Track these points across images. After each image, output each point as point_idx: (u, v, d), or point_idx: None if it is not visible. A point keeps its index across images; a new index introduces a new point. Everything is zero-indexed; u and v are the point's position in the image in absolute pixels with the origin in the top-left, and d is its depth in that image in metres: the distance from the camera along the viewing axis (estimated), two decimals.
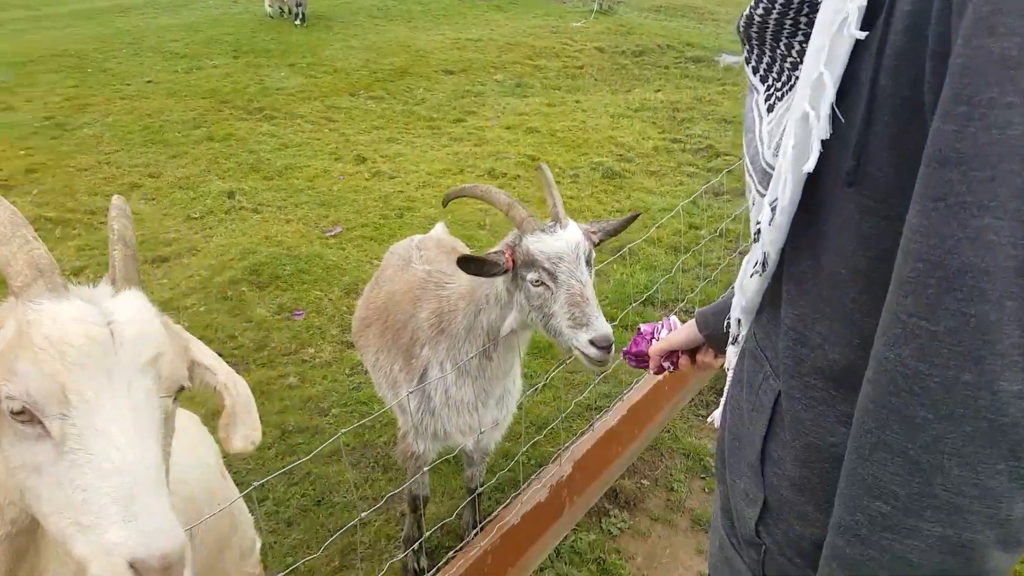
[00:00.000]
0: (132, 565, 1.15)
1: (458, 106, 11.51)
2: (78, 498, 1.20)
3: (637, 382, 4.13)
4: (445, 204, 3.29)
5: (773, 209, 1.11)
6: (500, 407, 3.18)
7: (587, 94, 12.28)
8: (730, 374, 1.49)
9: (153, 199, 7.96)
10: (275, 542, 3.50)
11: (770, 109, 1.19)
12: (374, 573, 3.23)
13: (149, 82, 11.99)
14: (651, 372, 2.02)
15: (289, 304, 5.88)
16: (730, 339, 1.44)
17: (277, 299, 5.94)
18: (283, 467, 4.00)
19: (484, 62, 13.58)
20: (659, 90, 12.37)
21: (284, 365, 5.10)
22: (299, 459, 4.04)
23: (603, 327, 2.57)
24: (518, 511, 3.10)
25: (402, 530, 3.59)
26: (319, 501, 3.85)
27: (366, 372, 4.98)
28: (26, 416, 1.24)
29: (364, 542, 3.56)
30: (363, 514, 2.17)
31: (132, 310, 1.36)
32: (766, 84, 1.22)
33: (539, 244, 2.63)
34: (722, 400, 1.55)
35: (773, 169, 1.13)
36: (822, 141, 1.01)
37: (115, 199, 1.62)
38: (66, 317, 1.27)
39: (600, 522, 3.80)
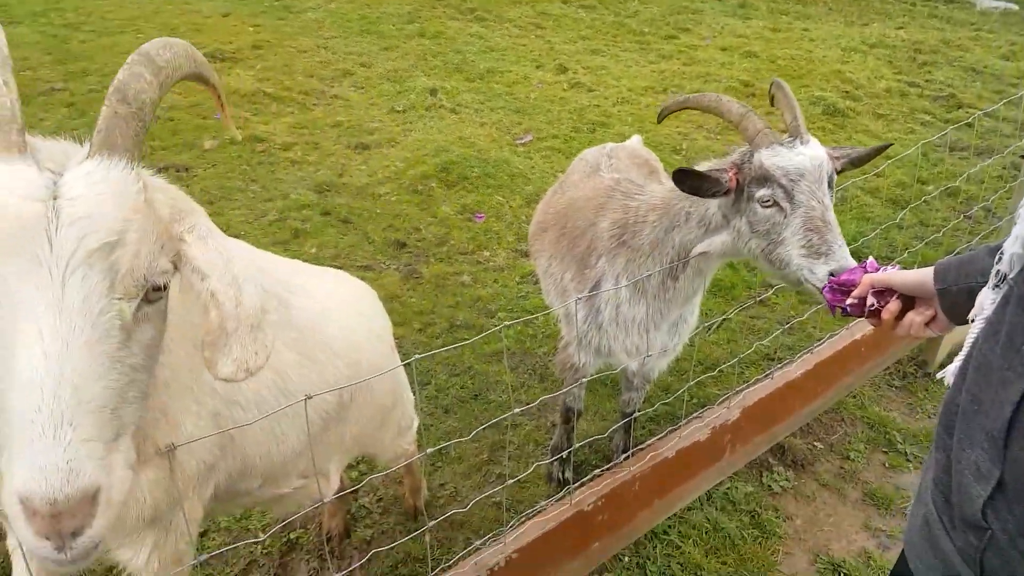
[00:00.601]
0: (21, 501, 0.97)
1: (672, 22, 10.87)
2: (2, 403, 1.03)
3: (830, 336, 3.74)
4: (661, 119, 3.03)
5: None
6: (672, 334, 2.98)
7: (817, 23, 11.12)
8: (977, 325, 1.20)
9: (362, 88, 8.27)
10: (431, 425, 3.59)
11: None
12: (518, 471, 3.22)
13: None
14: (845, 307, 1.73)
15: (472, 205, 5.92)
16: (992, 280, 1.15)
17: (462, 199, 6.00)
18: (447, 354, 4.09)
19: None
20: (901, 27, 10.97)
21: (460, 263, 5.17)
22: (463, 351, 4.12)
23: (846, 258, 2.18)
24: (674, 445, 2.92)
25: (551, 439, 3.55)
26: (476, 395, 3.89)
27: (535, 282, 4.95)
28: None
29: (513, 442, 3.57)
30: (516, 410, 2.09)
31: (86, 184, 1.07)
32: None
33: (776, 158, 2.29)
34: (959, 355, 1.26)
35: None
36: None
37: (151, 43, 1.29)
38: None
39: (761, 476, 3.54)
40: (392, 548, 2.43)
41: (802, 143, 2.33)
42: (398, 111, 7.70)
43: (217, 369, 1.22)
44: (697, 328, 3.10)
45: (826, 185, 2.29)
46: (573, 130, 7.46)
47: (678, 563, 3.04)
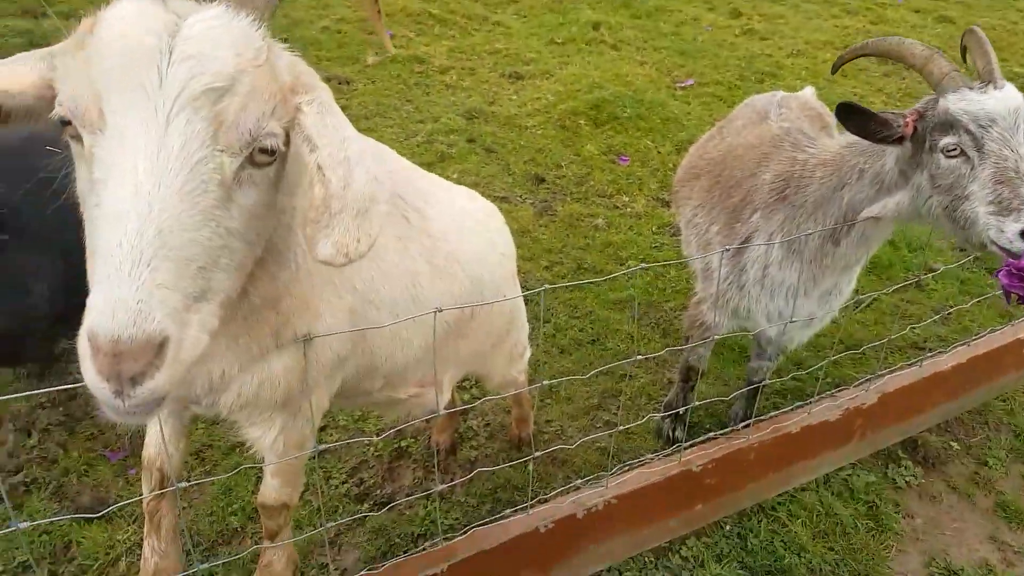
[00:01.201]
0: (90, 338, 0.95)
1: None
2: (93, 240, 1.03)
3: (990, 332, 3.39)
4: (836, 69, 2.76)
5: None
6: (823, 304, 2.75)
7: None
8: None
9: (525, 17, 8.16)
10: (545, 363, 3.59)
11: None
12: (627, 421, 3.17)
13: None
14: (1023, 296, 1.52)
15: (618, 147, 5.76)
16: None
17: (609, 140, 5.85)
18: (570, 295, 4.05)
19: None
20: None
21: (596, 205, 5.07)
22: (586, 294, 4.07)
23: None
24: (799, 421, 2.77)
25: (665, 395, 3.46)
26: (594, 340, 3.85)
27: (673, 234, 4.78)
28: (72, 129, 1.06)
29: (626, 392, 3.51)
30: (638, 356, 2.02)
31: (205, 27, 1.06)
32: None
33: (964, 103, 2.06)
34: None
35: None
36: None
37: None
38: (122, 15, 1.05)
39: (886, 467, 3.31)
40: (495, 471, 2.47)
41: (995, 87, 2.06)
42: (557, 43, 7.55)
43: (317, 249, 1.16)
44: (846, 303, 2.89)
45: (1021, 135, 2.03)
46: (739, 78, 7.05)
47: (782, 541, 2.91)
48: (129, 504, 2.81)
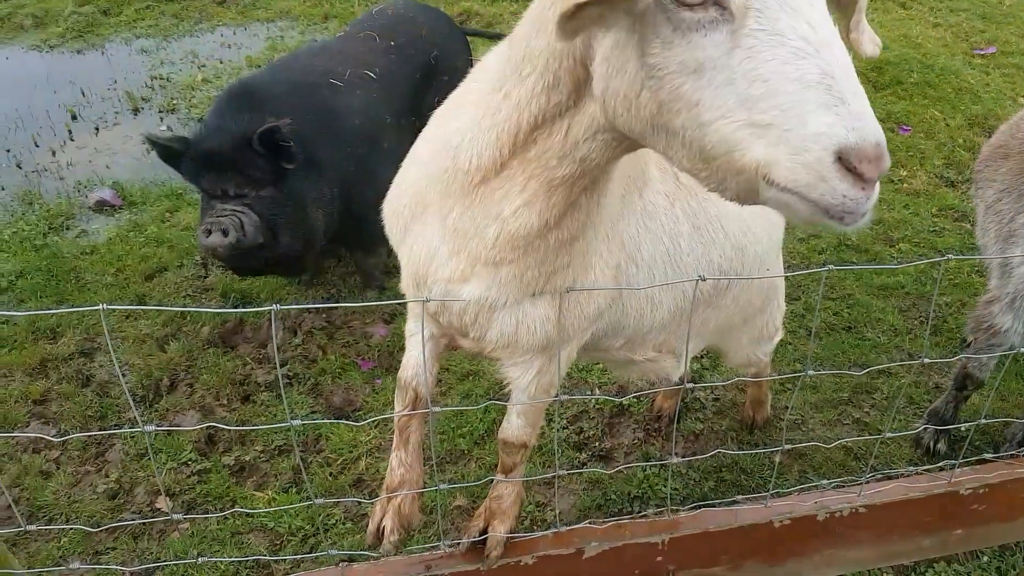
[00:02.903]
0: (839, 156, 0.98)
1: None
2: (756, 92, 1.02)
3: None
4: None
5: None
6: None
7: None
8: None
9: None
10: (790, 343, 3.34)
11: None
12: (882, 423, 2.85)
13: None
14: None
15: (899, 114, 5.13)
16: None
17: (889, 106, 5.22)
18: (829, 276, 3.71)
19: None
20: None
21: None
22: (847, 275, 3.70)
23: None
24: None
25: (930, 400, 3.08)
26: (850, 327, 3.50)
27: (957, 218, 4.18)
28: None
29: (883, 391, 3.17)
30: (924, 359, 1.77)
31: None
32: None
33: None
34: None
35: None
36: None
37: None
38: None
39: None
40: (728, 452, 2.33)
41: None
42: None
43: (863, 47, 1.28)
44: None
45: None
46: None
47: None
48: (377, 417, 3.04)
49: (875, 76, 5.48)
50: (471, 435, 3.03)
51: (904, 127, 5.03)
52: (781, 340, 2.79)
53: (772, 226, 2.25)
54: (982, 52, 6.07)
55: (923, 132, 4.99)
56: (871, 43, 1.29)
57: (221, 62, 6.07)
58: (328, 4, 6.90)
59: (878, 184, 1.03)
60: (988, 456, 2.35)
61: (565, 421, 3.11)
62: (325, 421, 2.93)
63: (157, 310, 3.53)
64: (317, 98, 3.27)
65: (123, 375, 3.28)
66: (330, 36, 5.89)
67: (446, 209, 1.49)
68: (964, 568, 2.57)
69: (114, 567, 2.44)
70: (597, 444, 3.02)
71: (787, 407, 3.10)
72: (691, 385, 2.43)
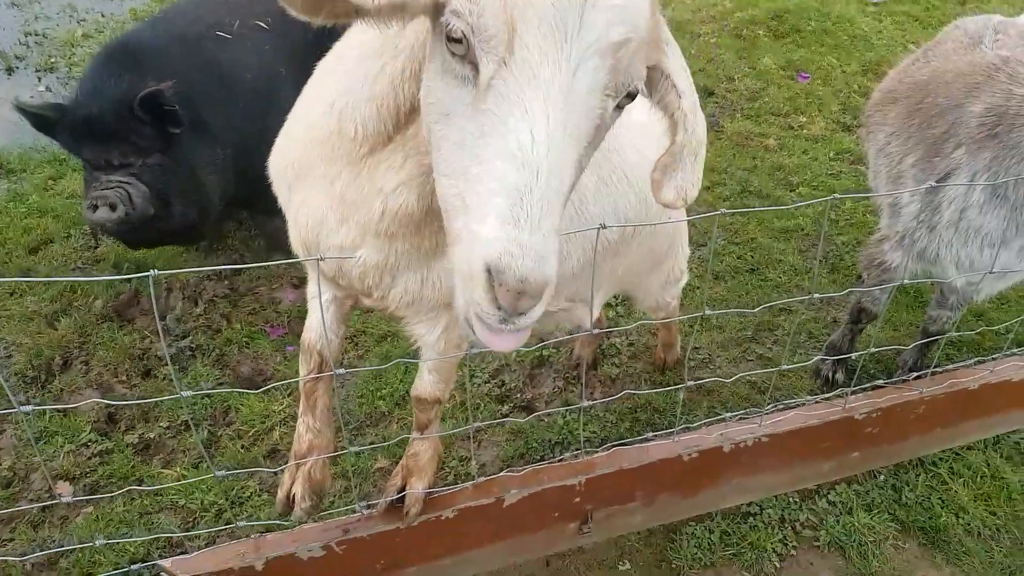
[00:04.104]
0: (489, 270, 0.96)
1: None
2: (473, 170, 1.00)
3: None
4: None
5: None
6: (1022, 256, 2.46)
7: None
8: None
9: None
10: (698, 287, 3.43)
11: None
12: (784, 357, 2.97)
13: None
14: None
15: (798, 62, 5.27)
16: None
17: (789, 53, 5.36)
18: (731, 218, 3.81)
19: None
20: None
21: (769, 124, 4.69)
22: (749, 220, 3.82)
23: None
24: (979, 378, 2.49)
25: (828, 333, 3.22)
26: (753, 269, 3.62)
27: (852, 161, 4.36)
28: (462, 48, 1.00)
29: (784, 327, 3.30)
30: (815, 296, 1.84)
31: None
32: None
33: None
34: None
35: None
36: None
37: None
38: None
39: None
40: (637, 393, 2.39)
41: None
42: None
43: (663, 193, 1.21)
44: None
45: None
46: None
47: (939, 498, 2.71)
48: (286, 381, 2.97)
49: (775, 24, 5.61)
50: (391, 396, 3.00)
51: (803, 74, 5.18)
52: (689, 284, 2.86)
53: None
54: (875, 1, 6.28)
55: (820, 79, 5.15)
56: (674, 191, 1.21)
57: (103, 15, 5.67)
58: None
59: (528, 317, 1.00)
60: (880, 383, 2.49)
61: (487, 375, 3.11)
62: (221, 391, 2.83)
63: (36, 282, 3.31)
64: (204, 53, 3.08)
65: (9, 355, 3.08)
66: None
67: (332, 174, 1.42)
68: (863, 488, 2.72)
69: (11, 559, 2.30)
70: (519, 396, 3.04)
71: (695, 348, 3.19)
72: (601, 331, 2.47)
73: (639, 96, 1.11)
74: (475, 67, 1.00)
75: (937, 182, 2.45)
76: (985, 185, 2.34)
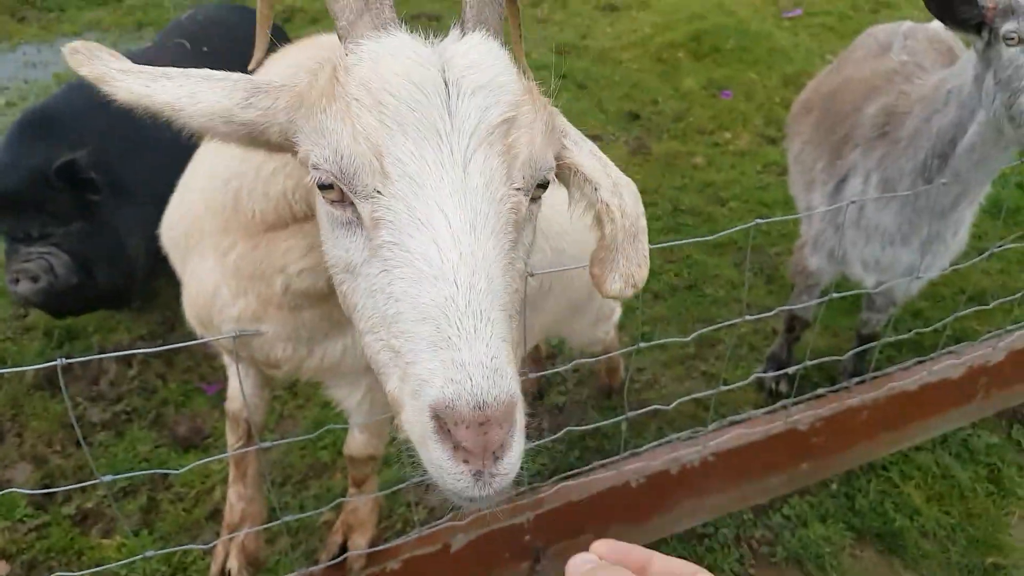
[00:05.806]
0: (435, 414, 0.81)
1: None
2: (391, 311, 0.88)
3: None
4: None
5: None
6: (925, 252, 2.51)
7: None
8: None
9: None
10: (636, 308, 3.43)
11: None
12: (727, 372, 3.00)
13: None
14: None
15: (720, 80, 5.41)
16: None
17: (710, 73, 5.50)
18: (663, 240, 3.85)
19: None
20: None
21: (696, 143, 4.78)
22: (682, 238, 3.85)
23: None
24: (918, 379, 2.54)
25: (769, 345, 3.26)
26: (691, 286, 3.65)
27: (779, 173, 4.45)
28: (335, 194, 0.93)
29: (726, 342, 3.32)
30: (747, 317, 1.85)
31: (476, 54, 0.94)
32: None
33: None
34: None
35: None
36: None
37: None
38: (385, 54, 0.91)
39: (1011, 428, 3.03)
40: (588, 428, 2.35)
41: None
42: None
43: (606, 287, 1.11)
44: (969, 254, 2.62)
45: None
46: (852, 8, 6.51)
47: (893, 502, 2.72)
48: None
49: (694, 46, 5.75)
50: (334, 446, 2.91)
51: (726, 92, 5.31)
52: (628, 305, 2.85)
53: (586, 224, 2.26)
54: (790, 15, 6.51)
55: (743, 95, 5.28)
56: (621, 280, 1.10)
57: (26, 82, 5.53)
58: (141, 12, 6.45)
59: (507, 460, 0.84)
60: (821, 391, 2.51)
61: None
62: (141, 473, 2.71)
63: None
64: (121, 113, 3.00)
65: None
66: (141, 47, 5.50)
67: (226, 245, 1.33)
68: (817, 498, 2.72)
69: None
70: None
71: (639, 368, 3.19)
72: (536, 373, 2.44)
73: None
74: (355, 208, 0.92)
75: (837, 184, 2.53)
76: (877, 183, 2.41)
